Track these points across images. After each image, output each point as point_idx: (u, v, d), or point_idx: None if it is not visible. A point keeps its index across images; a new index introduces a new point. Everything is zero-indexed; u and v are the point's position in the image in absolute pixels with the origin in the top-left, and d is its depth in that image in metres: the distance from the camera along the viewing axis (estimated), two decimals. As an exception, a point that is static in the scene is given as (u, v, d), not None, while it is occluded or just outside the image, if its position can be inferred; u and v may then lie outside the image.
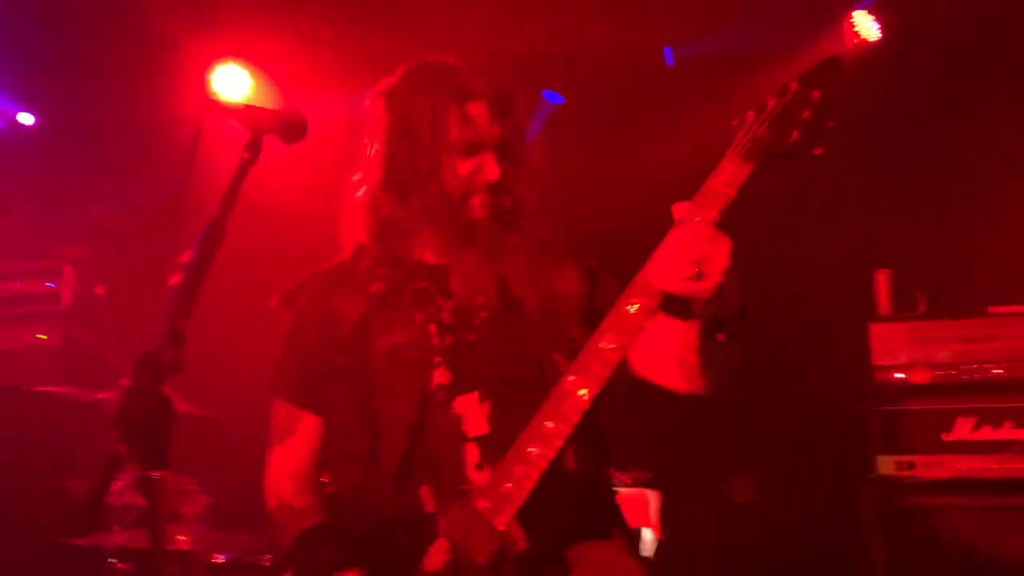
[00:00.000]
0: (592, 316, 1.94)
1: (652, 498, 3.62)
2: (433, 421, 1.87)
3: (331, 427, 2.02)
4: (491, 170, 1.99)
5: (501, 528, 1.69)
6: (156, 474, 1.23)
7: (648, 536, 3.53)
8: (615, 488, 2.07)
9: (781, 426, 4.66)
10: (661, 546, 3.57)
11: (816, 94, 1.68)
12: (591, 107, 5.03)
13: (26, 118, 5.49)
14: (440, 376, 1.91)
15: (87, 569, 3.41)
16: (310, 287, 2.07)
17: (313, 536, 1.92)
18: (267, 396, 2.08)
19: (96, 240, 5.05)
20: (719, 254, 1.64)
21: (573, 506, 1.81)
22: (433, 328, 1.94)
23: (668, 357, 1.90)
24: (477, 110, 2.00)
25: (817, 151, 1.69)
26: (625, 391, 1.96)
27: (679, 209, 1.72)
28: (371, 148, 2.04)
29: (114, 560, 3.29)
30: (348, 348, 1.97)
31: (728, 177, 1.70)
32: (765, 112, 1.71)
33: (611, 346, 1.72)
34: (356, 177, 2.07)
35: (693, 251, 1.65)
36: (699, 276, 1.64)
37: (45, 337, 4.74)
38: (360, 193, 2.05)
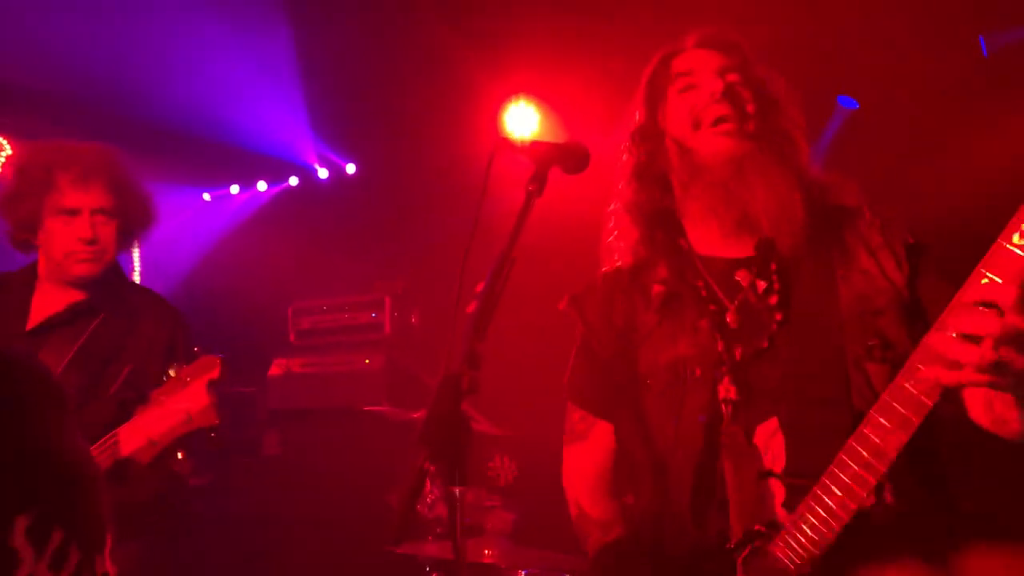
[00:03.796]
0: (914, 310, 1.67)
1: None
2: (725, 446, 1.73)
3: (622, 436, 1.95)
4: (709, 82, 1.83)
5: None
6: (457, 490, 1.31)
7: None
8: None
9: None
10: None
11: None
12: (897, 110, 4.65)
13: (350, 168, 6.19)
14: (726, 391, 1.74)
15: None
16: (597, 291, 2.00)
17: (614, 551, 1.87)
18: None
19: (409, 273, 5.54)
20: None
21: (891, 552, 1.60)
22: (719, 337, 1.78)
23: (976, 393, 1.61)
24: (687, 54, 1.92)
25: None
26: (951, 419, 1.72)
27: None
28: (625, 157, 2.00)
29: (428, 568, 3.53)
30: (637, 359, 1.86)
31: None
32: None
33: (923, 388, 1.43)
34: (619, 186, 2.01)
35: (989, 326, 1.31)
36: (997, 366, 1.32)
37: (369, 362, 5.27)
38: (622, 194, 1.98)
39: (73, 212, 2.68)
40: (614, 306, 1.94)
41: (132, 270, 6.22)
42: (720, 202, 1.81)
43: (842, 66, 4.60)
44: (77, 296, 2.75)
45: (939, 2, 4.20)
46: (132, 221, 2.80)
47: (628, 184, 1.95)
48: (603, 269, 2.02)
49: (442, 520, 3.77)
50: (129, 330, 2.72)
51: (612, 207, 1.99)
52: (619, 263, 1.97)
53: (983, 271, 1.38)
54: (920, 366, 1.44)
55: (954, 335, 1.35)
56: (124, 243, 2.82)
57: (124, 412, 2.49)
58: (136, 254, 6.28)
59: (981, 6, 4.23)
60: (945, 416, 1.72)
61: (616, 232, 1.98)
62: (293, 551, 4.85)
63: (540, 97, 5.08)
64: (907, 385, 1.45)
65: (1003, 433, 1.61)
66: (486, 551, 3.42)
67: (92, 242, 2.68)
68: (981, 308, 1.34)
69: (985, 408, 1.61)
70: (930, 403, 1.44)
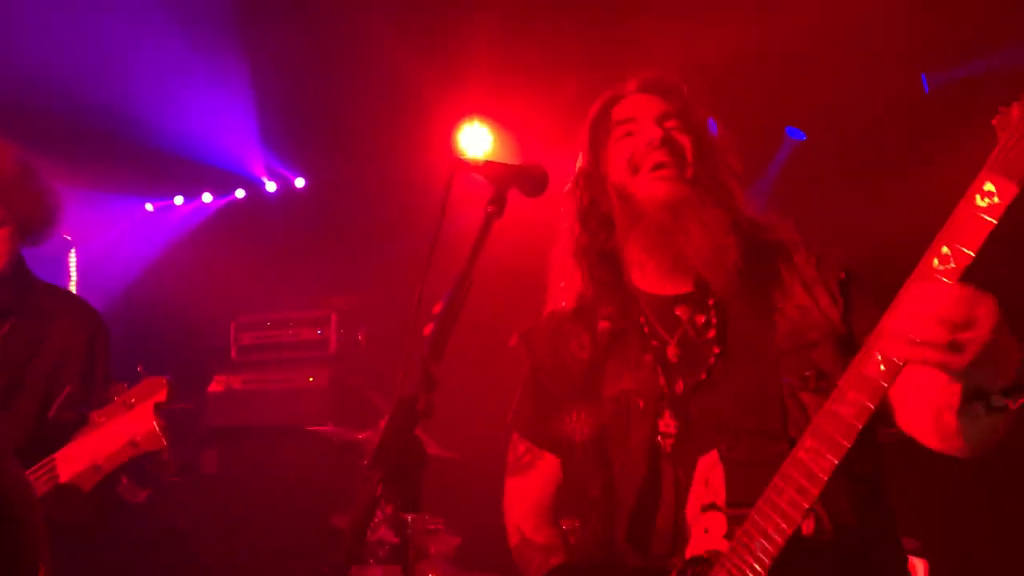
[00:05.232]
0: (848, 343, 1.72)
1: (919, 566, 3.29)
2: (667, 478, 1.76)
3: (568, 469, 1.97)
4: (647, 130, 1.87)
5: None
6: (408, 516, 1.29)
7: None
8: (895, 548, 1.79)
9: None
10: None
11: None
12: (840, 141, 4.77)
13: (299, 182, 6.11)
14: (667, 425, 1.78)
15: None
16: (546, 328, 2.03)
17: (561, 574, 1.87)
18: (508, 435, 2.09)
19: (357, 290, 5.48)
20: (981, 319, 1.34)
21: (829, 569, 1.62)
22: (660, 370, 1.83)
23: (925, 410, 1.63)
24: (627, 100, 1.96)
25: None
26: (893, 443, 1.74)
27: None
28: (570, 200, 2.03)
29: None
30: (583, 393, 1.90)
31: (987, 200, 1.35)
32: None
33: (852, 411, 1.46)
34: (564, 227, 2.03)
35: (944, 312, 1.34)
36: (952, 345, 1.34)
37: (313, 380, 5.19)
38: (567, 236, 2.01)
39: None
40: (561, 342, 1.97)
41: (69, 279, 6.04)
42: (656, 245, 1.87)
43: (787, 100, 4.71)
44: None
45: (883, 41, 4.33)
46: (28, 223, 2.59)
47: (573, 226, 2.00)
48: (549, 307, 2.05)
49: (384, 543, 3.72)
50: (43, 333, 2.57)
51: (558, 248, 2.03)
52: (564, 304, 2.01)
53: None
54: (850, 390, 1.46)
55: (908, 316, 1.38)
56: (25, 243, 2.62)
57: (58, 433, 2.38)
58: (73, 263, 6.11)
59: (923, 46, 4.37)
60: (890, 442, 1.75)
61: (562, 274, 2.01)
62: (231, 573, 4.73)
63: (493, 118, 5.10)
64: (837, 408, 1.48)
65: (951, 448, 1.64)
66: (430, 575, 3.40)
67: None
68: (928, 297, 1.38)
69: (935, 421, 1.62)
70: (859, 425, 1.46)
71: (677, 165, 1.86)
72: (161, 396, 2.28)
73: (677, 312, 1.88)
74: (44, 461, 2.29)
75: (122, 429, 2.27)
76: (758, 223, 1.91)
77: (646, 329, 1.88)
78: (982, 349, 1.34)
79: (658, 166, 1.86)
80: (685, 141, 1.89)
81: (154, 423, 2.25)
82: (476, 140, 5.07)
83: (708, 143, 1.92)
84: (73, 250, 6.09)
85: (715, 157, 1.91)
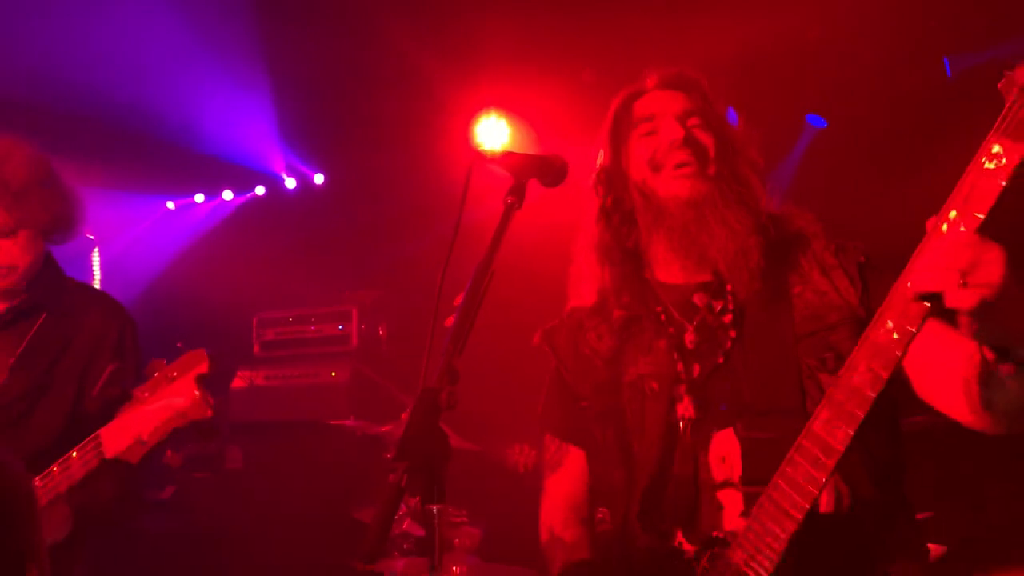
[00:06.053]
0: (867, 325, 1.71)
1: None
2: (682, 458, 1.77)
3: (594, 461, 1.98)
4: (670, 129, 1.87)
5: None
6: (435, 507, 1.29)
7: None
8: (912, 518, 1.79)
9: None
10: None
11: None
12: (861, 127, 4.72)
13: (318, 178, 6.14)
14: (684, 409, 1.79)
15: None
16: (567, 324, 2.05)
17: (579, 569, 1.88)
18: (532, 431, 2.11)
19: (377, 285, 5.49)
20: (988, 264, 1.34)
21: (847, 547, 1.62)
22: (676, 356, 1.84)
23: (953, 382, 1.61)
24: (648, 96, 1.96)
25: None
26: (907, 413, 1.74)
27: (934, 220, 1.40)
28: (592, 196, 2.03)
29: (396, 584, 3.48)
30: (602, 383, 1.91)
31: (995, 162, 1.34)
32: None
33: (866, 380, 1.46)
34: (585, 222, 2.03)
35: (955, 259, 1.34)
36: (964, 287, 1.35)
37: (335, 374, 5.21)
38: (590, 231, 2.01)
39: None
40: (581, 337, 1.98)
41: (92, 278, 6.10)
42: (681, 245, 1.87)
43: (808, 87, 4.67)
44: (14, 299, 2.61)
45: (905, 25, 4.28)
46: (48, 224, 2.58)
47: (596, 222, 2.00)
48: (570, 305, 2.06)
49: (408, 536, 3.74)
50: (75, 327, 2.61)
51: (580, 243, 2.03)
52: (586, 300, 2.02)
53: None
54: (862, 360, 1.46)
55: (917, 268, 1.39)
56: (49, 242, 2.63)
57: (103, 411, 2.41)
58: (97, 261, 6.17)
59: (946, 29, 4.32)
60: (918, 426, 1.73)
61: (583, 270, 2.02)
62: (255, 567, 4.77)
63: (510, 110, 5.08)
64: (851, 379, 1.48)
65: (982, 423, 1.61)
66: (454, 567, 3.41)
67: None
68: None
69: (965, 394, 1.60)
70: (873, 395, 1.45)
71: (699, 163, 1.87)
72: (203, 368, 2.30)
73: (695, 300, 1.89)
74: (90, 438, 2.33)
75: (166, 402, 2.28)
76: (778, 216, 1.92)
77: (662, 317, 1.90)
78: (996, 292, 1.33)
79: (681, 165, 1.86)
80: (707, 140, 1.89)
81: (197, 392, 2.26)
82: (493, 133, 5.06)
83: (730, 139, 1.92)
84: (96, 249, 6.16)
85: (737, 153, 1.92)
